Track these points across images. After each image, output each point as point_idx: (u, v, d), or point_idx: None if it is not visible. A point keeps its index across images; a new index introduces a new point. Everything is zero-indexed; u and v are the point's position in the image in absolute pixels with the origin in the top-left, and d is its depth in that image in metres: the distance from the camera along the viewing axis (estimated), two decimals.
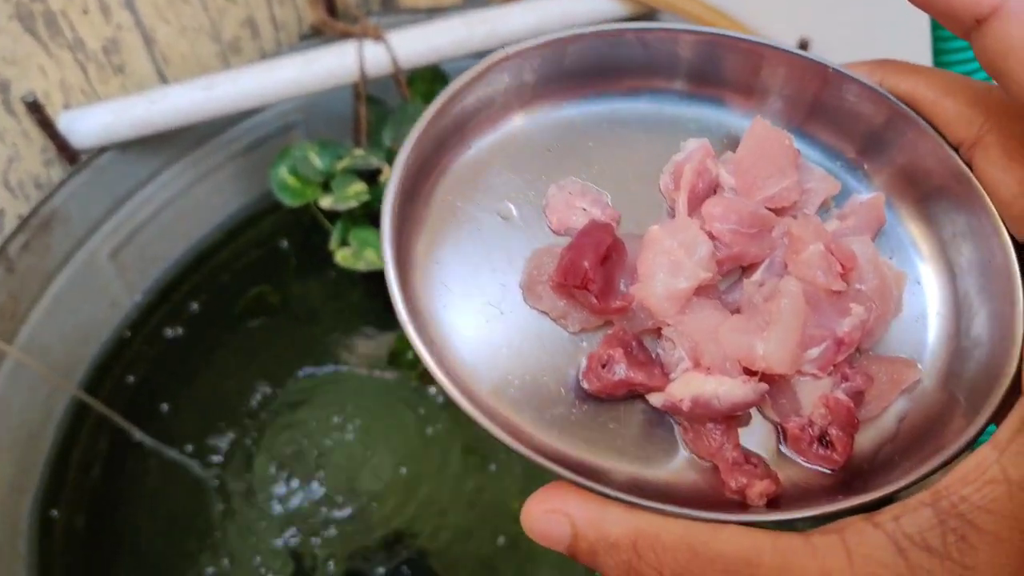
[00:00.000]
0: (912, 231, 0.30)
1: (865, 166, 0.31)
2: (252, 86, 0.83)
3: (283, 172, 0.87)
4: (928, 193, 0.29)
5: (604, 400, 0.28)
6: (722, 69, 0.31)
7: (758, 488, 0.25)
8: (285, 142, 0.94)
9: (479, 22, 0.85)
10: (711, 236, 0.29)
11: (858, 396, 0.28)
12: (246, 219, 0.99)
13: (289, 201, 0.87)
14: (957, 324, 0.29)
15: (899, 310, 0.30)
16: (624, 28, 0.29)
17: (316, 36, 0.92)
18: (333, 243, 0.86)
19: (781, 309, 0.27)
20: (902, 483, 0.24)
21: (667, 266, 0.28)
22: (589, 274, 0.27)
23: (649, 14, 0.88)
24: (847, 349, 0.28)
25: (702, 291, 0.28)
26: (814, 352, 0.28)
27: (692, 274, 0.27)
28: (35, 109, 0.76)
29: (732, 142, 0.31)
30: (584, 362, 0.28)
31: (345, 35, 0.87)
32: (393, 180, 0.27)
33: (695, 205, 0.29)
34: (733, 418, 0.27)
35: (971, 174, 0.27)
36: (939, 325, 0.29)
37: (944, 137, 0.28)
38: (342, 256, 0.85)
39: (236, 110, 0.84)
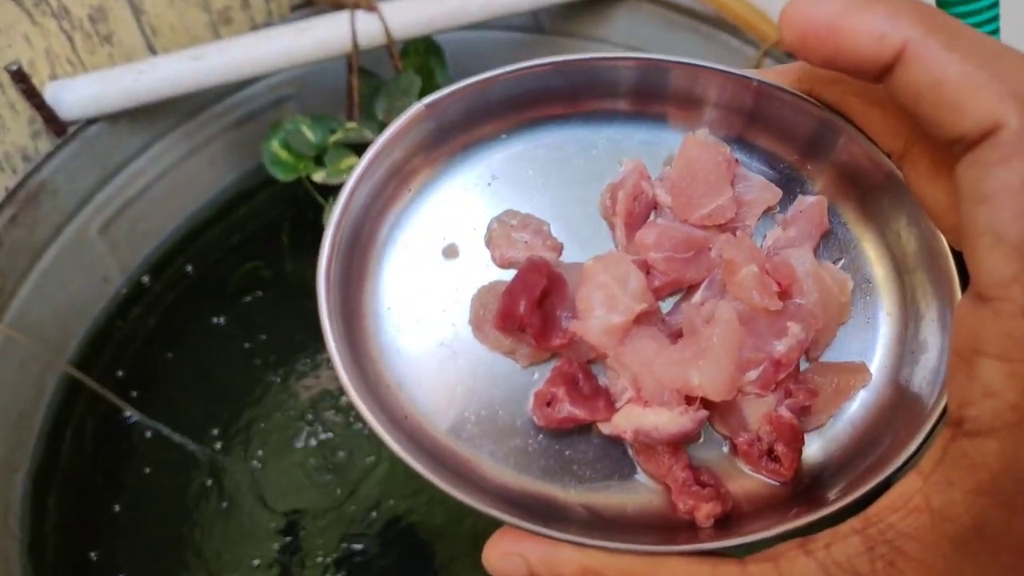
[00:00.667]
0: (858, 231, 0.30)
1: (808, 167, 0.31)
2: (242, 56, 0.81)
3: (275, 146, 0.86)
4: (870, 191, 0.29)
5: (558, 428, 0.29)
6: (656, 91, 0.30)
7: (705, 510, 0.27)
8: (278, 115, 0.93)
9: None
10: (647, 264, 0.29)
11: (803, 410, 0.28)
12: (239, 193, 0.98)
13: (281, 176, 0.86)
14: (906, 325, 0.29)
15: (847, 315, 0.29)
16: (545, 62, 0.29)
17: (307, 6, 0.90)
18: (326, 217, 0.85)
19: (714, 337, 0.27)
20: (840, 504, 0.25)
21: (603, 300, 0.28)
22: (524, 319, 0.28)
23: None
24: (785, 369, 0.28)
25: (643, 318, 0.29)
26: (752, 375, 0.28)
27: (626, 308, 0.28)
28: (20, 78, 0.74)
29: (673, 157, 0.31)
30: (532, 399, 0.29)
31: (337, 6, 0.85)
32: (329, 231, 0.27)
33: (634, 229, 0.30)
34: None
35: (902, 178, 0.27)
36: (889, 325, 0.29)
37: (875, 143, 0.28)
38: None
39: (226, 81, 0.82)
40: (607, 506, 0.28)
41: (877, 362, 0.29)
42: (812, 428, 0.29)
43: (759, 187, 0.30)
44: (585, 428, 0.29)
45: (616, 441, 0.29)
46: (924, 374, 0.27)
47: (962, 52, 0.21)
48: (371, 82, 0.87)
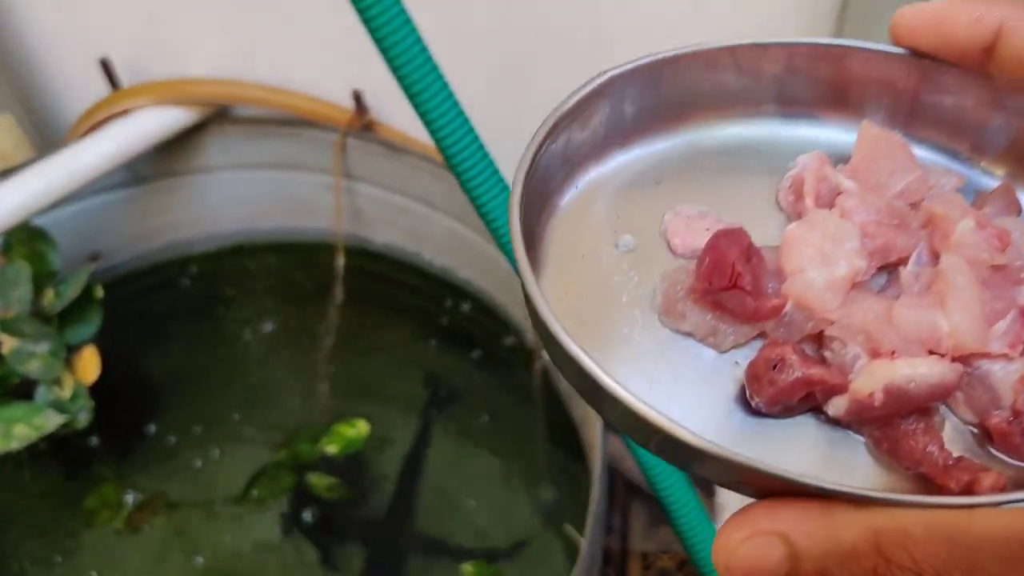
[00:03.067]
0: None
1: (982, 162, 0.29)
2: None
3: None
4: None
5: (772, 419, 0.24)
6: (815, 81, 0.30)
7: (988, 481, 0.22)
8: None
9: (53, 169, 0.83)
10: None
11: None
12: None
13: None
14: None
15: None
16: (716, 47, 0.29)
17: None
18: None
19: (954, 283, 0.24)
20: None
21: (818, 259, 0.25)
22: (737, 268, 0.24)
23: (214, 115, 0.93)
24: None
25: (856, 287, 0.26)
26: (1001, 326, 0.24)
27: (848, 262, 0.25)
28: None
29: (839, 158, 0.29)
30: (746, 373, 0.24)
31: None
32: (514, 220, 0.24)
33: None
34: (930, 415, 0.24)
35: None
36: None
37: None
38: None
39: None
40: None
41: None
42: None
43: (939, 173, 0.28)
44: (800, 423, 0.24)
45: (841, 438, 0.24)
46: None
47: None
48: None
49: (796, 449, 0.24)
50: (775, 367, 0.24)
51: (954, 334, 0.24)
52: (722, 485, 0.23)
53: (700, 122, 0.30)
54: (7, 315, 0.81)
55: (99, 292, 0.88)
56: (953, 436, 0.24)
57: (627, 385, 0.22)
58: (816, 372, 0.23)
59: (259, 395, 0.97)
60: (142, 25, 0.90)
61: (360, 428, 0.88)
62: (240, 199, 1.00)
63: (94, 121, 0.90)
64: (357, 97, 0.87)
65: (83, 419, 0.83)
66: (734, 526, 0.21)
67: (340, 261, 1.00)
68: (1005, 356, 0.24)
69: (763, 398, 0.24)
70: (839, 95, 0.30)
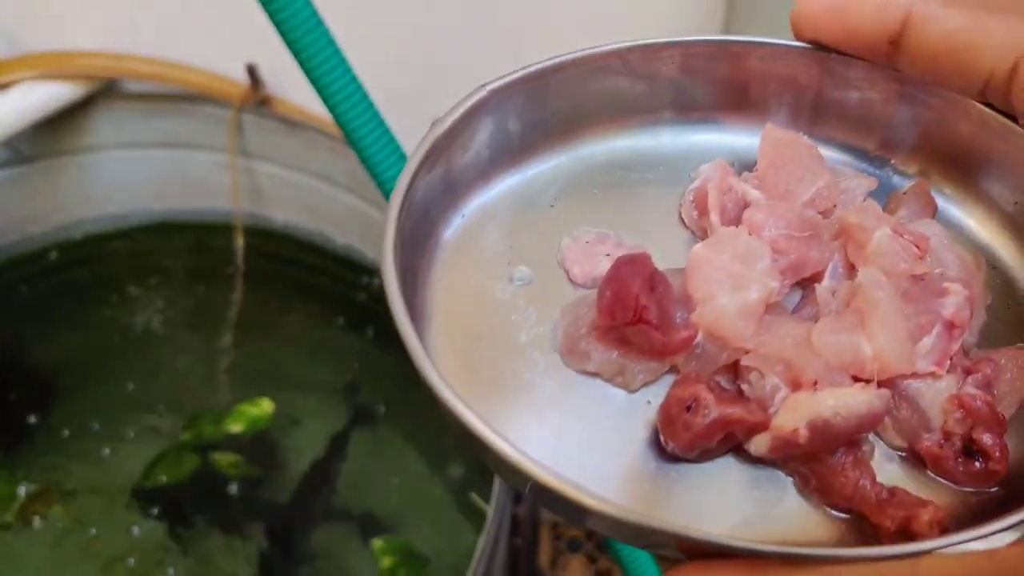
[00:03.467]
0: (969, 215, 0.27)
1: (892, 160, 0.28)
2: None
3: None
4: (974, 165, 0.27)
5: (690, 464, 0.23)
6: (713, 82, 0.28)
7: (926, 516, 0.21)
8: None
9: None
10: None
11: (988, 389, 0.23)
12: None
13: None
14: None
15: (987, 296, 0.26)
16: (605, 51, 0.26)
17: None
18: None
19: (875, 300, 0.23)
20: None
21: (727, 283, 0.24)
22: (641, 300, 0.22)
23: (101, 90, 0.89)
24: (960, 333, 0.24)
25: (770, 309, 0.24)
26: (926, 343, 0.23)
27: (761, 284, 0.23)
28: None
29: (743, 164, 0.28)
30: (659, 417, 0.23)
31: None
32: (388, 258, 0.22)
33: (729, 225, 0.26)
34: (858, 447, 0.23)
35: (1017, 126, 0.25)
36: None
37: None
38: None
39: None
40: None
41: None
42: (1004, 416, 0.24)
43: (850, 176, 0.27)
44: (721, 466, 0.23)
45: (765, 477, 0.23)
46: None
47: (958, 4, 0.23)
48: None
49: (719, 494, 0.22)
50: (689, 408, 0.22)
51: (879, 357, 0.22)
52: (644, 548, 0.22)
53: (593, 135, 0.28)
54: None
55: None
56: (883, 463, 0.23)
57: (530, 437, 0.21)
58: (734, 411, 0.22)
59: (157, 382, 0.94)
60: None
61: (263, 406, 0.87)
62: (131, 179, 0.97)
63: None
64: (251, 71, 0.86)
65: None
66: None
67: (239, 242, 0.98)
68: (932, 374, 0.23)
69: (679, 443, 0.22)
70: (739, 96, 0.28)
